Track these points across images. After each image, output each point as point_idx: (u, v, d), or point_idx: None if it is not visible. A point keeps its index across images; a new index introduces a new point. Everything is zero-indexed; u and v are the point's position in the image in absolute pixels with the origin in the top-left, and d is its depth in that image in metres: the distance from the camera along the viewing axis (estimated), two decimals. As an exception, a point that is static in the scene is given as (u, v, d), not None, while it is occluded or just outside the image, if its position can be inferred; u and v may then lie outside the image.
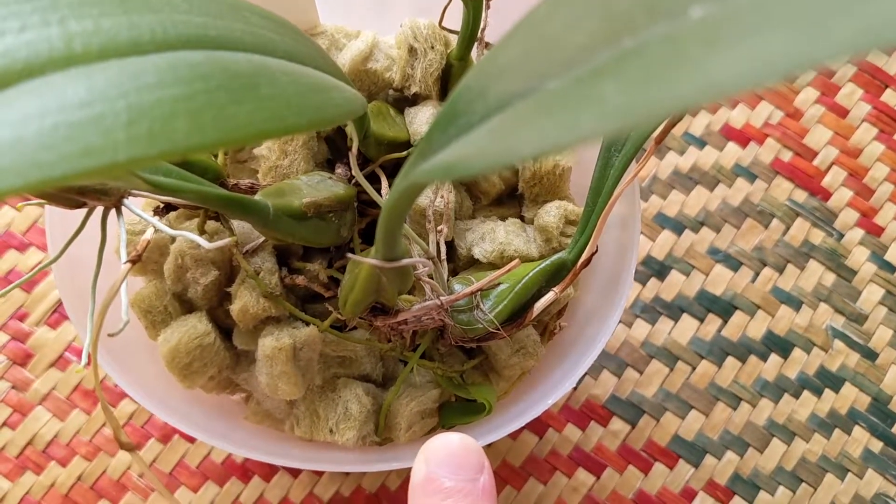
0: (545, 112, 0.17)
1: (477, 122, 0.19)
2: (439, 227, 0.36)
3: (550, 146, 0.16)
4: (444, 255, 0.36)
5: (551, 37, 0.18)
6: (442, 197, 0.37)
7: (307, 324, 0.37)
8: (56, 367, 0.52)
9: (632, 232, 0.39)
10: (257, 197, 0.31)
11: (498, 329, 0.35)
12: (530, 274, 0.35)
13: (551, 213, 0.39)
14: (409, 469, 0.30)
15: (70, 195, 0.30)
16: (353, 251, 0.37)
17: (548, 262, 0.36)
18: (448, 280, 0.36)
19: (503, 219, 0.41)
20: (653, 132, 0.32)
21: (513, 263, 0.34)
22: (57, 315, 0.53)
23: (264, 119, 0.21)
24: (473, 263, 0.40)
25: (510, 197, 0.43)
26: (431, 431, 0.40)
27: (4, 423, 0.51)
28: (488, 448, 0.51)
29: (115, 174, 0.23)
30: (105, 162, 0.17)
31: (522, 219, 0.42)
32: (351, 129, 0.35)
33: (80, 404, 0.51)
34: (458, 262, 0.40)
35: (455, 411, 0.40)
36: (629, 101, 0.14)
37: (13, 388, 0.51)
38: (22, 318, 0.52)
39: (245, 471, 0.50)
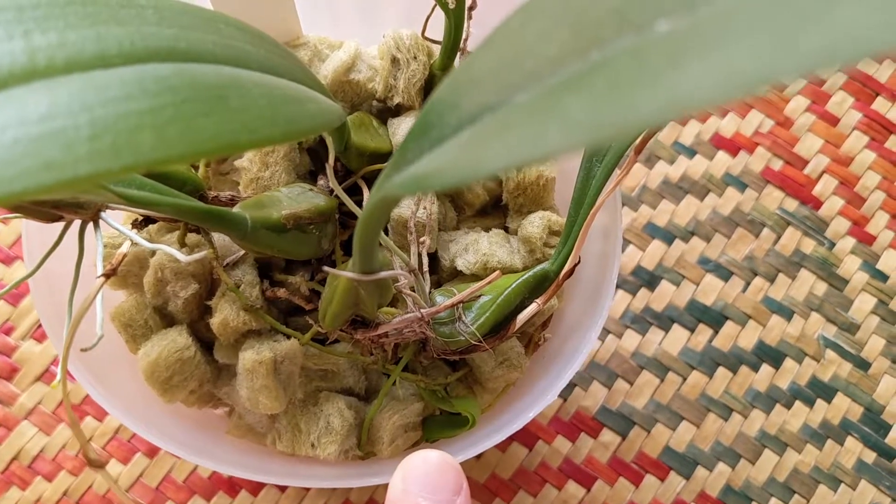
0: (513, 126, 0.17)
1: (449, 134, 0.19)
2: (421, 239, 0.36)
3: (517, 161, 0.16)
4: (426, 267, 0.36)
5: (523, 48, 0.18)
6: (425, 208, 0.37)
7: (288, 337, 0.36)
8: (42, 382, 0.51)
9: (613, 242, 0.39)
10: (235, 209, 0.31)
11: (480, 341, 0.34)
12: (513, 286, 0.35)
13: (535, 224, 0.39)
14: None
15: (45, 209, 0.29)
16: (334, 264, 0.37)
17: (530, 273, 0.36)
18: (430, 292, 0.36)
19: (487, 230, 0.40)
20: (633, 142, 0.31)
21: (493, 275, 0.33)
22: (42, 329, 0.52)
23: (234, 131, 0.21)
24: (457, 275, 0.40)
25: (494, 208, 0.43)
26: (415, 445, 0.40)
27: (-10, 438, 0.50)
28: (477, 460, 0.51)
29: (80, 188, 0.23)
30: (66, 176, 0.17)
31: (507, 229, 0.41)
32: (329, 141, 0.34)
33: (66, 419, 0.51)
34: (442, 273, 0.40)
35: (439, 424, 0.39)
36: (592, 117, 0.14)
37: (-1, 402, 0.51)
38: (8, 332, 0.52)
39: (232, 485, 0.50)
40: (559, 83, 0.16)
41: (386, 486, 0.50)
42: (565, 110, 0.15)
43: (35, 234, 0.37)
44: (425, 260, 0.36)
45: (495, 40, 0.19)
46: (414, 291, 0.33)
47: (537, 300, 0.35)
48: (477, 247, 0.38)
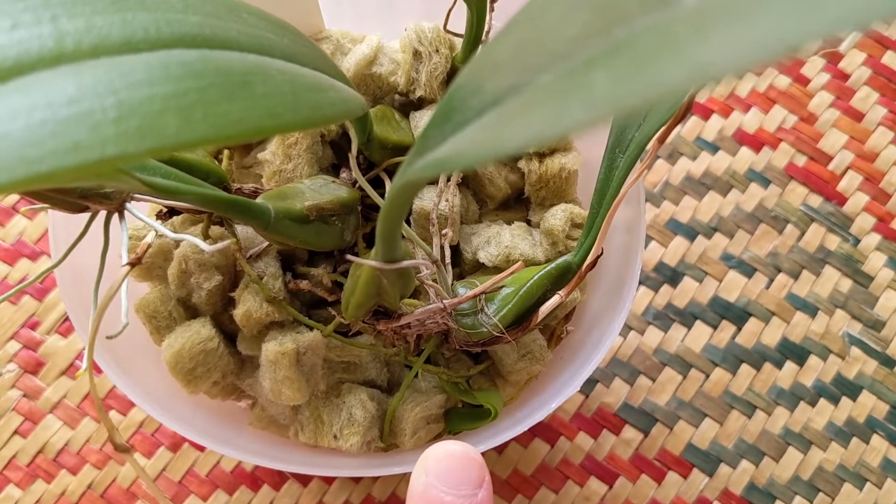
0: (536, 105, 0.17)
1: (472, 118, 0.19)
2: (444, 231, 0.36)
3: (540, 137, 0.16)
4: (448, 259, 0.36)
5: (545, 30, 0.18)
6: (447, 201, 0.37)
7: (311, 328, 0.37)
8: (67, 376, 0.52)
9: (637, 235, 0.39)
10: (258, 200, 0.31)
11: (502, 333, 0.34)
12: (535, 277, 0.35)
13: (557, 217, 0.38)
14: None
15: (72, 199, 0.30)
16: (357, 255, 0.37)
17: (553, 265, 0.35)
18: (452, 284, 0.36)
19: (509, 223, 0.40)
20: (656, 132, 0.31)
21: (516, 266, 0.33)
22: (68, 324, 0.53)
23: (257, 116, 0.21)
24: (479, 268, 0.40)
25: (517, 201, 0.43)
26: (437, 437, 0.40)
27: (16, 432, 0.51)
28: (499, 456, 0.51)
29: (105, 171, 0.23)
30: (93, 157, 0.17)
31: (529, 223, 0.41)
32: (351, 133, 0.35)
33: (91, 412, 0.51)
34: (464, 266, 0.40)
35: (461, 417, 0.39)
36: (617, 90, 0.14)
37: (24, 396, 0.51)
38: (33, 327, 0.53)
39: (254, 479, 0.50)
40: (582, 62, 0.16)
41: (408, 478, 0.50)
42: (589, 86, 0.15)
43: (61, 225, 0.38)
44: (447, 252, 0.36)
45: (517, 23, 0.19)
46: (436, 282, 0.34)
47: (560, 292, 0.35)
48: (499, 239, 0.38)
